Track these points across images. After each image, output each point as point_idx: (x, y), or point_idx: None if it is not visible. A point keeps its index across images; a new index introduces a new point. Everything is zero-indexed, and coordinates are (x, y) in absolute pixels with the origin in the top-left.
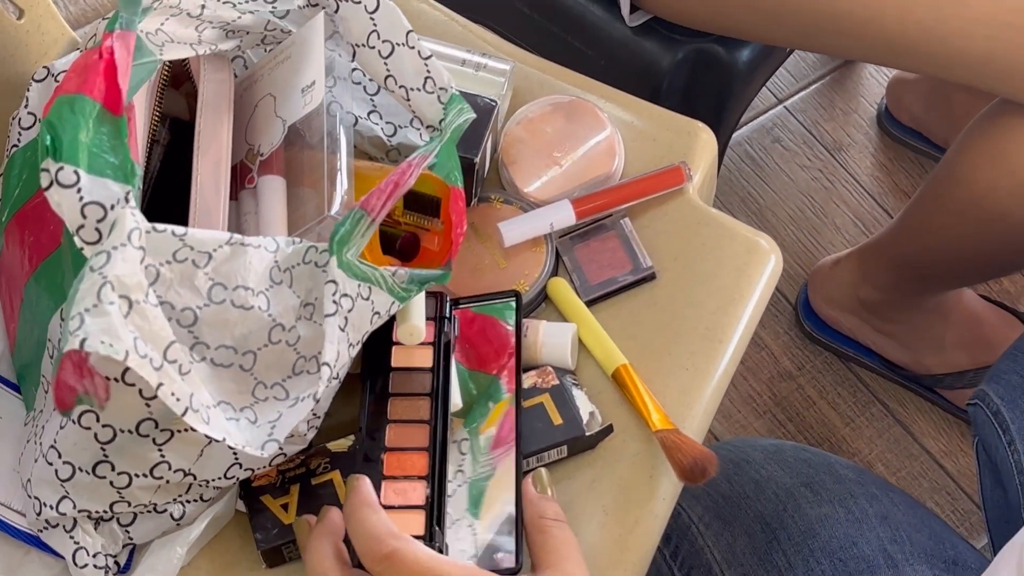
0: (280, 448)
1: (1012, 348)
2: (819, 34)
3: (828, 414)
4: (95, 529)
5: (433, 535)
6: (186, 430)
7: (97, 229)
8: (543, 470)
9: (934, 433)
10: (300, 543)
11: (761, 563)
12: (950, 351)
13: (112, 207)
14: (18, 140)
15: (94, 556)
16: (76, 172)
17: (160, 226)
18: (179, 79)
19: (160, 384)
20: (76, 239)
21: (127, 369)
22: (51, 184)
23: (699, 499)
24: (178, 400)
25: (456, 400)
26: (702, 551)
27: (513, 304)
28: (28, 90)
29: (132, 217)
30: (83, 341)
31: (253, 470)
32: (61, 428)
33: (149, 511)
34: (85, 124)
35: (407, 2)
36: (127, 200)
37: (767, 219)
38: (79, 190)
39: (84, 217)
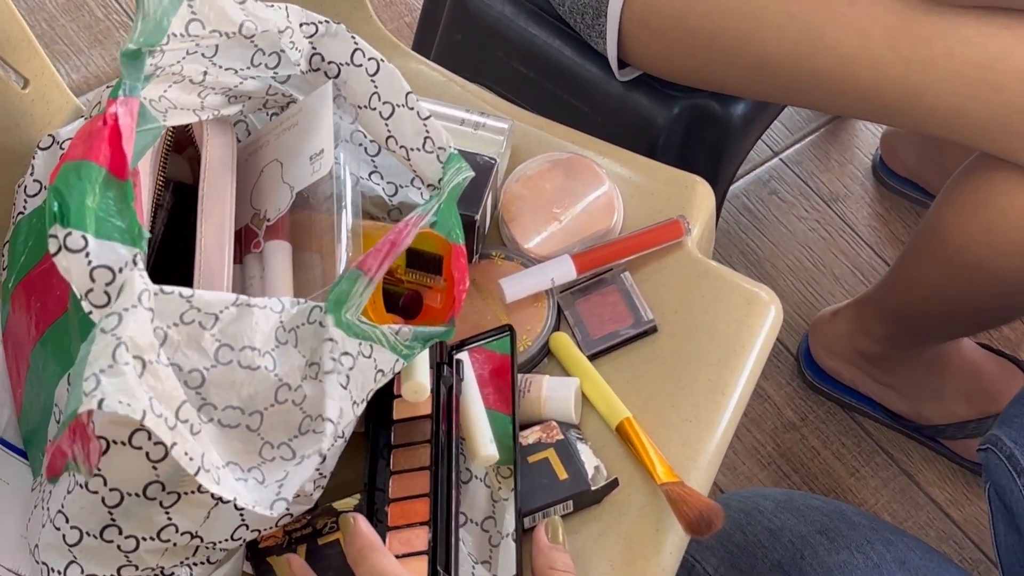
0: (288, 507)
1: (1023, 392)
2: (799, 90)
3: (833, 464)
4: None
5: None
6: (193, 492)
7: (106, 292)
8: (558, 519)
9: (939, 482)
10: None
11: None
12: (950, 402)
13: (120, 270)
14: (24, 207)
15: None
16: (84, 237)
17: (168, 288)
18: (182, 144)
19: (174, 444)
20: (84, 303)
21: (135, 432)
22: (59, 250)
23: (713, 551)
24: (191, 460)
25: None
26: None
27: (508, 340)
28: (33, 158)
29: (141, 279)
30: (101, 401)
31: (260, 531)
32: (68, 493)
33: (156, 574)
34: (92, 189)
35: (406, 64)
36: (135, 262)
37: (766, 270)
38: (87, 254)
39: (93, 281)
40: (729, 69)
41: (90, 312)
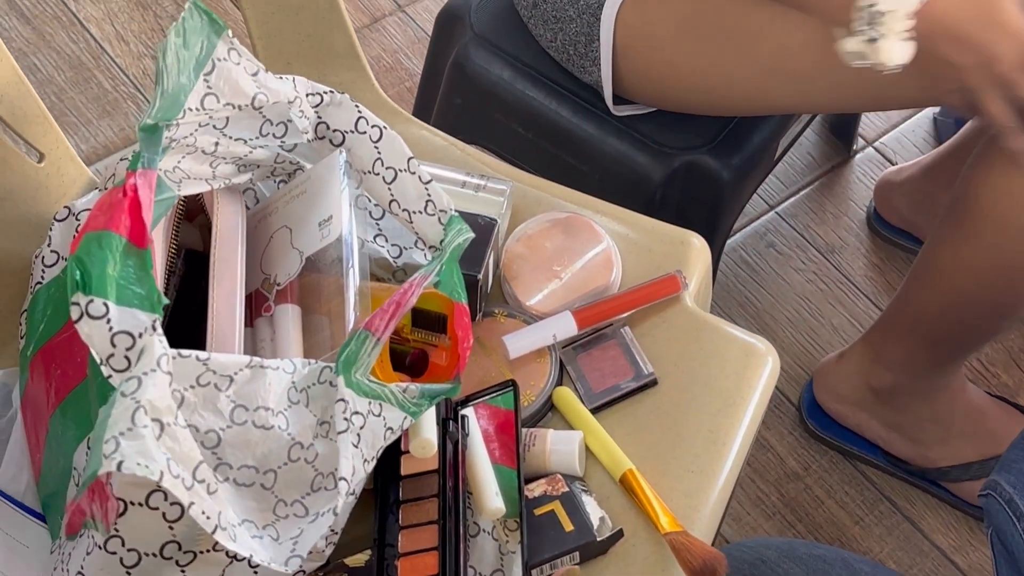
0: (302, 564)
1: (1021, 437)
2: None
3: (837, 514)
4: None
5: None
6: (208, 551)
7: (126, 357)
8: (578, 570)
9: (943, 529)
10: None
11: None
12: (955, 443)
13: (140, 335)
14: (42, 277)
15: None
16: (105, 304)
17: (185, 352)
18: (192, 212)
19: (191, 503)
20: (105, 368)
21: (152, 493)
22: (81, 316)
23: None
24: (208, 519)
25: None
26: None
27: (512, 395)
28: (51, 229)
29: (160, 344)
30: (120, 463)
31: None
32: (88, 554)
33: None
34: (112, 258)
35: (408, 129)
36: (154, 328)
37: (765, 322)
38: (108, 321)
39: (114, 346)
40: (738, 67)
41: (110, 376)
